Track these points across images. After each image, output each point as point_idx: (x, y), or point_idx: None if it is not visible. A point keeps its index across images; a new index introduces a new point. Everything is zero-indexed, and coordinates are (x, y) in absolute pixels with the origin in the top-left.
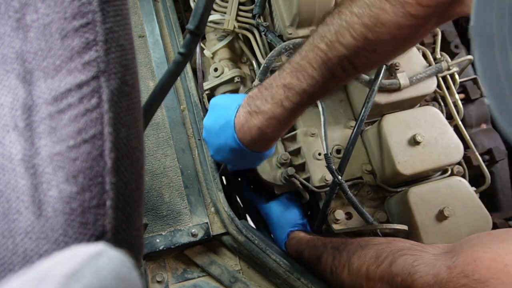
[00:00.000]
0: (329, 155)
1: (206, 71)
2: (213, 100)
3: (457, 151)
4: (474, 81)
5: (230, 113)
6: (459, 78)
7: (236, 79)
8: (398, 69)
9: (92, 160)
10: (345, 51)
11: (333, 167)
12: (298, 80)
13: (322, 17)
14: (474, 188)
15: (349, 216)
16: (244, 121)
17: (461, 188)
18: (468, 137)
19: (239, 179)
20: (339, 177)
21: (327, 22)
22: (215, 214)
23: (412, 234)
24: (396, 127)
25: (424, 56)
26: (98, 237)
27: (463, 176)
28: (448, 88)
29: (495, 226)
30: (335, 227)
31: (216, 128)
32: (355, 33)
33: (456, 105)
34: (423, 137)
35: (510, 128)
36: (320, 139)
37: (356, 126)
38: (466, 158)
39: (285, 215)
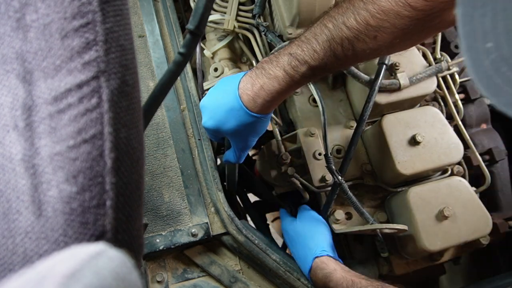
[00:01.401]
0: (329, 155)
1: (206, 71)
2: (205, 96)
3: (457, 151)
4: None
5: (235, 79)
6: (459, 78)
7: None
8: (398, 69)
9: (92, 160)
10: (348, 33)
11: (333, 167)
12: (302, 51)
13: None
14: (474, 188)
15: (349, 216)
16: (248, 80)
17: (461, 188)
18: (468, 137)
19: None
20: (339, 177)
21: (339, 5)
22: (215, 214)
23: (412, 234)
24: (396, 127)
25: (424, 56)
26: (98, 237)
27: (463, 176)
28: (448, 88)
29: (495, 226)
30: (335, 227)
31: (219, 91)
32: (359, 17)
33: (456, 105)
34: (423, 137)
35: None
36: (320, 139)
37: (358, 126)
38: (466, 158)
39: (314, 234)
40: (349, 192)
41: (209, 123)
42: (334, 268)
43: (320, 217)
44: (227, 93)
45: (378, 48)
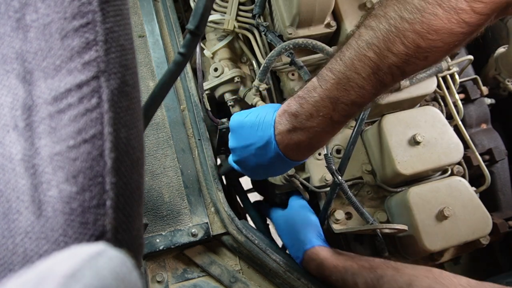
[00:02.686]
0: (329, 155)
1: (206, 71)
2: (233, 121)
3: (457, 151)
4: (474, 81)
5: (266, 130)
6: (459, 78)
7: (236, 79)
8: None
9: (92, 160)
10: (396, 60)
11: (333, 167)
12: (347, 92)
13: (362, 16)
14: (474, 188)
15: (349, 216)
16: (287, 136)
17: (461, 188)
18: (468, 137)
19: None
20: (339, 177)
21: (372, 26)
22: (215, 214)
23: (412, 234)
24: (396, 127)
25: None
26: (98, 237)
27: (463, 176)
28: (448, 88)
29: (495, 226)
30: (335, 227)
31: (251, 149)
32: (407, 41)
33: (456, 105)
34: (423, 137)
35: None
36: None
37: (357, 126)
38: (466, 158)
39: (301, 227)
40: (349, 192)
41: (238, 156)
42: (325, 257)
43: (306, 204)
44: (266, 150)
45: (428, 65)
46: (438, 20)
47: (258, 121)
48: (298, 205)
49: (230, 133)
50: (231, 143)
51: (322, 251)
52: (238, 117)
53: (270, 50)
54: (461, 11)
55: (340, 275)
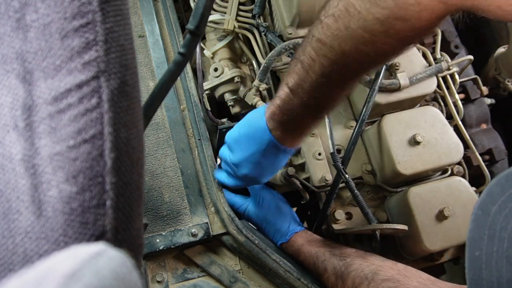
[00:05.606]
0: (335, 153)
1: (206, 71)
2: (229, 138)
3: (457, 151)
4: (474, 81)
5: (259, 116)
6: (459, 78)
7: (236, 79)
8: (398, 69)
9: (92, 160)
10: (351, 75)
11: (340, 165)
12: (309, 75)
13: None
14: (474, 188)
15: (349, 216)
16: (279, 129)
17: (461, 188)
18: (468, 137)
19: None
20: (347, 175)
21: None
22: (215, 214)
23: (412, 234)
24: (396, 127)
25: (424, 56)
26: (98, 237)
27: (463, 176)
28: (448, 88)
29: None
30: (335, 227)
31: (245, 132)
32: (363, 66)
33: (456, 105)
34: (423, 137)
35: None
36: (320, 139)
37: (357, 126)
38: (466, 158)
39: (282, 211)
40: (355, 190)
41: (245, 170)
42: (301, 243)
43: (272, 191)
44: (255, 133)
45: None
46: (390, 47)
47: (253, 129)
48: (267, 199)
49: (229, 152)
50: (235, 159)
51: (299, 238)
52: (233, 134)
53: (270, 50)
54: (409, 38)
55: (312, 260)
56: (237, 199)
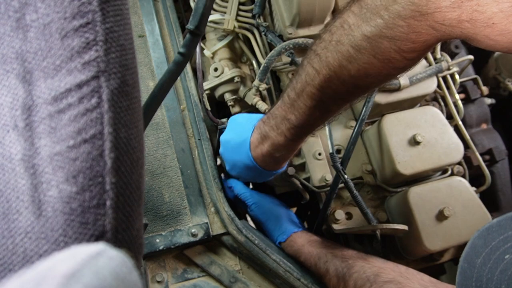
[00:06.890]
0: (334, 154)
1: (206, 71)
2: (232, 117)
3: (457, 151)
4: (474, 81)
5: (247, 132)
6: (459, 78)
7: (236, 79)
8: None
9: (92, 160)
10: (336, 95)
11: (340, 166)
12: (295, 116)
13: (311, 49)
14: (474, 188)
15: (349, 216)
16: (256, 143)
17: (461, 188)
18: (468, 137)
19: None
20: (345, 176)
21: (315, 68)
22: (215, 214)
23: (412, 234)
24: (396, 127)
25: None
26: (98, 237)
27: (463, 176)
28: (448, 88)
29: None
30: (335, 227)
31: (233, 145)
32: (346, 83)
33: (456, 105)
34: (423, 137)
35: None
36: (320, 139)
37: (357, 126)
38: (466, 158)
39: (282, 212)
40: (354, 190)
41: (233, 173)
42: (302, 244)
43: (266, 196)
44: (241, 151)
45: (370, 91)
46: (373, 68)
47: (246, 122)
48: (262, 203)
49: (222, 149)
50: (223, 136)
51: (299, 239)
52: (224, 136)
53: (270, 50)
54: (394, 61)
55: (314, 261)
56: (246, 191)
